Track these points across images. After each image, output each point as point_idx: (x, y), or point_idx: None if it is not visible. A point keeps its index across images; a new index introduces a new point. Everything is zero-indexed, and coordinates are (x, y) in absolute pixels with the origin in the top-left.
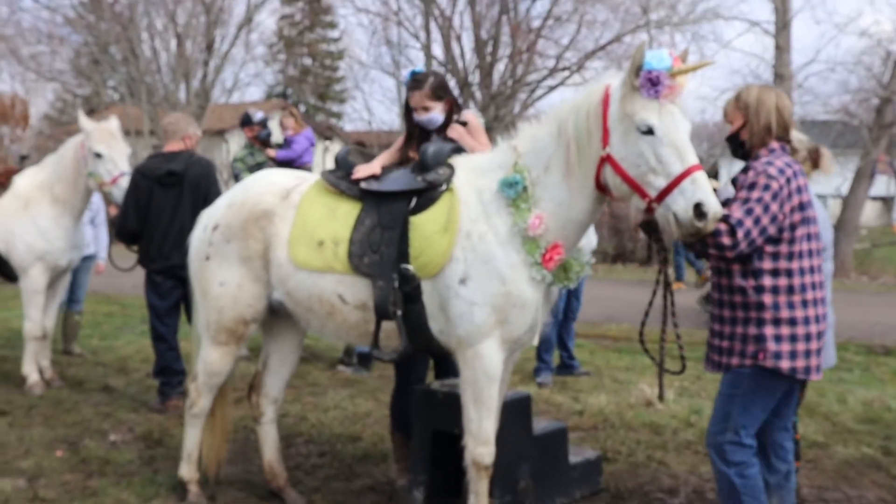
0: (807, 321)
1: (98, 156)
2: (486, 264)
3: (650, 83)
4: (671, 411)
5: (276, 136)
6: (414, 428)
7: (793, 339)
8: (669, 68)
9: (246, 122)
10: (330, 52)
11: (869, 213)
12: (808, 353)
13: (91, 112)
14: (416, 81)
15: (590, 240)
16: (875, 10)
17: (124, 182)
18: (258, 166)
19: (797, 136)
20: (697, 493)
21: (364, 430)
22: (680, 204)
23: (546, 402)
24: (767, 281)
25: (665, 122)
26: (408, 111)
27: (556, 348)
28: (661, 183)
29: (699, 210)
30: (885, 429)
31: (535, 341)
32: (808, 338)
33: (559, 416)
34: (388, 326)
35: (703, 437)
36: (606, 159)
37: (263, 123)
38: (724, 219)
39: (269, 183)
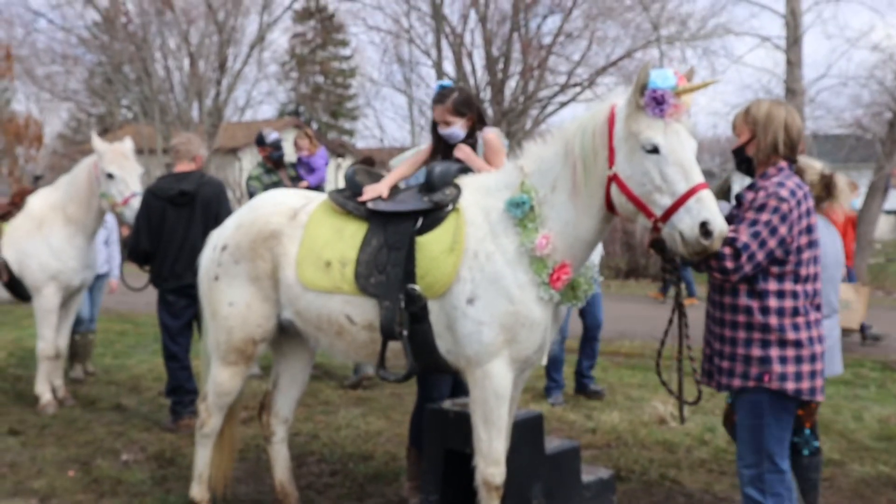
0: (811, 342)
1: (110, 176)
2: (493, 284)
3: (655, 102)
4: (685, 429)
5: (290, 155)
6: (425, 447)
7: (798, 360)
8: (674, 87)
9: (260, 142)
10: (342, 69)
11: (883, 227)
12: (813, 374)
13: (105, 131)
14: (440, 95)
15: (592, 258)
16: (886, 25)
17: (135, 202)
18: (273, 185)
19: (810, 162)
20: None
21: (376, 448)
22: (686, 222)
23: (559, 420)
24: (773, 302)
25: (670, 140)
26: (434, 124)
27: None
28: (666, 202)
29: (705, 228)
30: None
31: (544, 361)
32: (812, 359)
33: (572, 434)
34: (396, 346)
35: (718, 455)
36: (612, 179)
37: (276, 145)
38: (730, 242)
39: (276, 203)
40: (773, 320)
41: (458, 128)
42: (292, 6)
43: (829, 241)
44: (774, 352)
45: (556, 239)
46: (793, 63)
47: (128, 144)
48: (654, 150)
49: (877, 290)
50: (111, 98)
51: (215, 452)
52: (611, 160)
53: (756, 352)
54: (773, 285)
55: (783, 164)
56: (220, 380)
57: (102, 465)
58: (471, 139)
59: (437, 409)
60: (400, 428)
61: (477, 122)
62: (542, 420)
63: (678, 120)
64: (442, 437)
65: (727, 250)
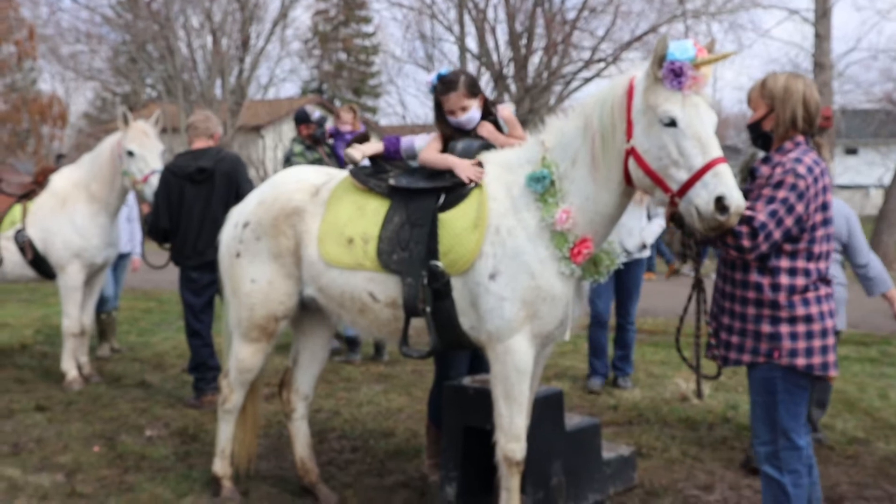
0: (822, 316)
1: (130, 154)
2: (515, 259)
3: (673, 74)
4: (707, 406)
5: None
6: (445, 424)
7: (809, 335)
8: (693, 59)
9: (303, 119)
10: (364, 46)
11: None
12: (824, 349)
13: (130, 110)
14: (448, 83)
15: (652, 229)
16: None
17: (155, 180)
18: (316, 162)
19: None
20: (733, 489)
21: (397, 425)
22: (702, 197)
23: (580, 396)
24: (784, 279)
25: (688, 113)
26: (440, 115)
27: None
28: (683, 176)
29: (721, 203)
30: None
31: (567, 336)
32: (824, 333)
33: (593, 410)
34: (419, 323)
35: (740, 433)
36: (630, 152)
37: (321, 122)
38: (747, 221)
39: (298, 180)
40: (783, 297)
41: (475, 110)
42: None
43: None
44: (784, 328)
45: (576, 213)
46: (821, 36)
47: (152, 120)
48: (672, 124)
49: None
50: (135, 77)
51: (238, 428)
52: (629, 133)
53: (766, 328)
54: (785, 262)
55: (800, 138)
56: (241, 356)
57: (127, 440)
58: (489, 118)
59: (456, 385)
60: (421, 405)
61: (486, 100)
62: (562, 397)
63: (697, 92)
64: (461, 413)
65: (744, 229)
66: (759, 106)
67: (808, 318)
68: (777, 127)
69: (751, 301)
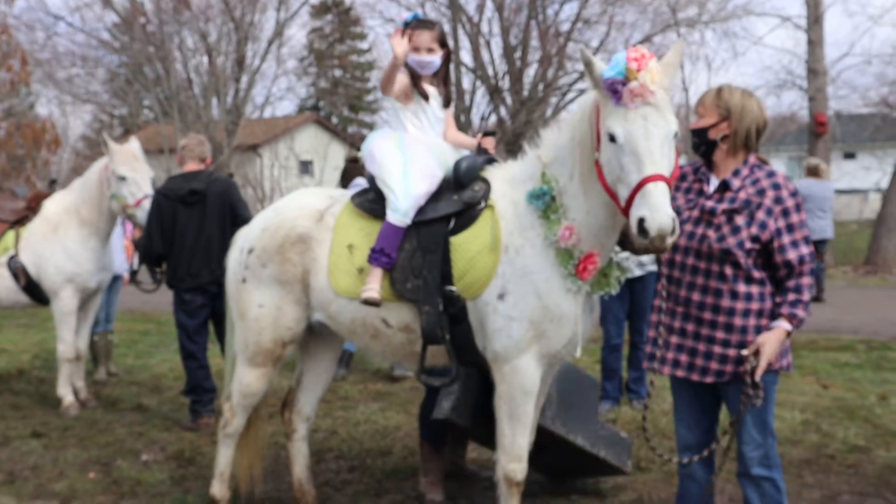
0: None
1: (122, 178)
2: (523, 278)
3: (611, 92)
4: None
5: None
6: None
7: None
8: (622, 73)
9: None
10: (360, 63)
11: None
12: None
13: (126, 132)
14: (424, 22)
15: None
16: None
17: (147, 204)
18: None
19: None
20: (734, 501)
21: (394, 444)
22: (632, 218)
23: None
24: (769, 288)
25: (630, 128)
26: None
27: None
28: (624, 193)
29: (641, 226)
30: None
31: (578, 353)
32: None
33: None
34: (435, 348)
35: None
36: (596, 164)
37: None
38: (801, 259)
39: (300, 205)
40: (769, 304)
41: (437, 57)
42: (308, 1)
43: None
44: None
45: (579, 228)
46: (814, 42)
47: (135, 145)
48: (613, 139)
49: None
50: (132, 99)
51: (240, 451)
52: (597, 146)
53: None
54: (766, 272)
55: (753, 158)
56: (246, 381)
57: (123, 465)
58: (445, 73)
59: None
60: (417, 422)
61: (449, 56)
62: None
63: (647, 102)
64: None
65: (805, 267)
66: (710, 115)
67: None
68: (732, 139)
69: (752, 312)
